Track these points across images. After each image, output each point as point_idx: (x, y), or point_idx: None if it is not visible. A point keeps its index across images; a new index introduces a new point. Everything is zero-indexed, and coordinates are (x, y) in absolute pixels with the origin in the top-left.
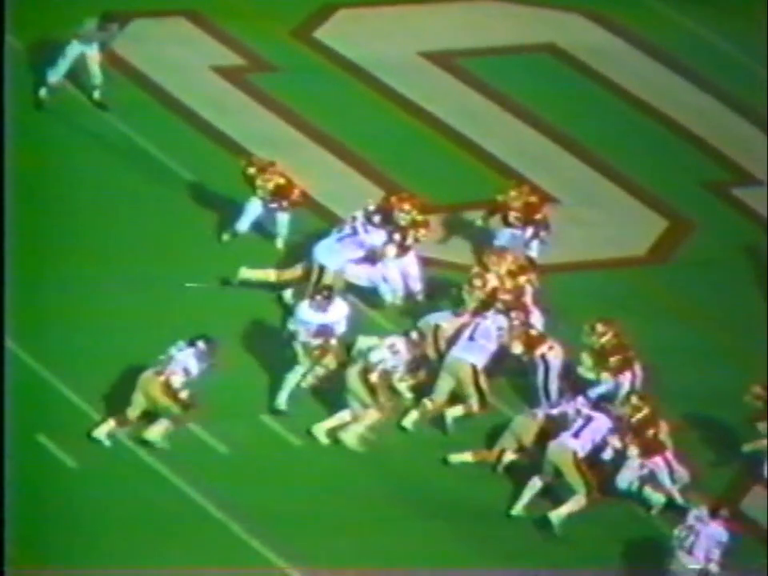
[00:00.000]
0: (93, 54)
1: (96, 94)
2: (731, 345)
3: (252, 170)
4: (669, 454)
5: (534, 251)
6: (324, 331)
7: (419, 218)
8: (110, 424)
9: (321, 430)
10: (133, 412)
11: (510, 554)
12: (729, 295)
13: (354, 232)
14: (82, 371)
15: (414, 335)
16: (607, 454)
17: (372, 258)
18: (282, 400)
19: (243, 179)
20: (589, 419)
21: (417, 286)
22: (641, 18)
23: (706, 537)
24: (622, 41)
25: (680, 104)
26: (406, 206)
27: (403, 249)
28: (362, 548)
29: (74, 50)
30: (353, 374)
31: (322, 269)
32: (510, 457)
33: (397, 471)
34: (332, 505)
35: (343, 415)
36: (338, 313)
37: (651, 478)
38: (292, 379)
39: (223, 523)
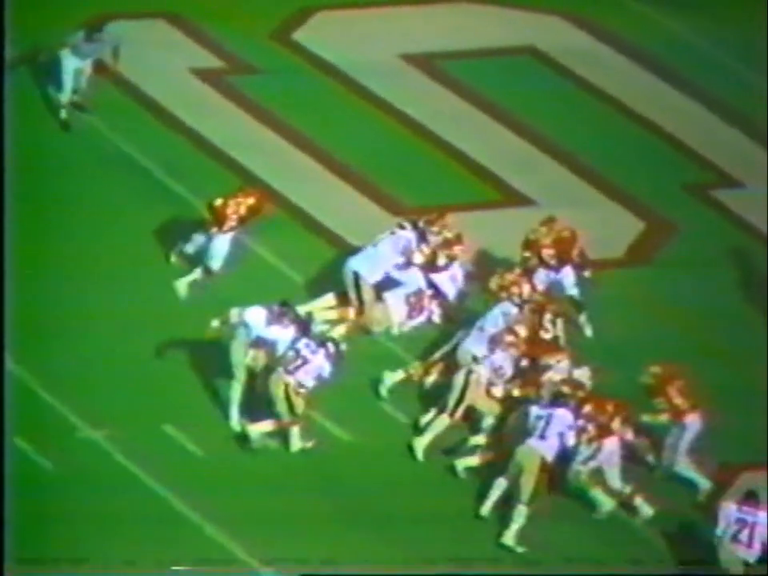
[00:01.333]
0: (86, 69)
1: (63, 114)
2: (712, 346)
3: (219, 201)
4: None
5: (574, 291)
6: (260, 343)
7: (449, 234)
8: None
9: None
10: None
11: (481, 554)
12: (709, 297)
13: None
14: (60, 374)
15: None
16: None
17: (408, 263)
18: (234, 419)
19: (211, 214)
20: (550, 417)
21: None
22: (621, 20)
23: (760, 526)
24: (603, 43)
25: (660, 106)
26: (435, 228)
27: (435, 267)
28: (335, 548)
29: (71, 63)
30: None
31: (357, 276)
32: None
33: (369, 474)
34: (305, 506)
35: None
36: (283, 333)
37: (600, 474)
38: (235, 395)
39: (198, 525)
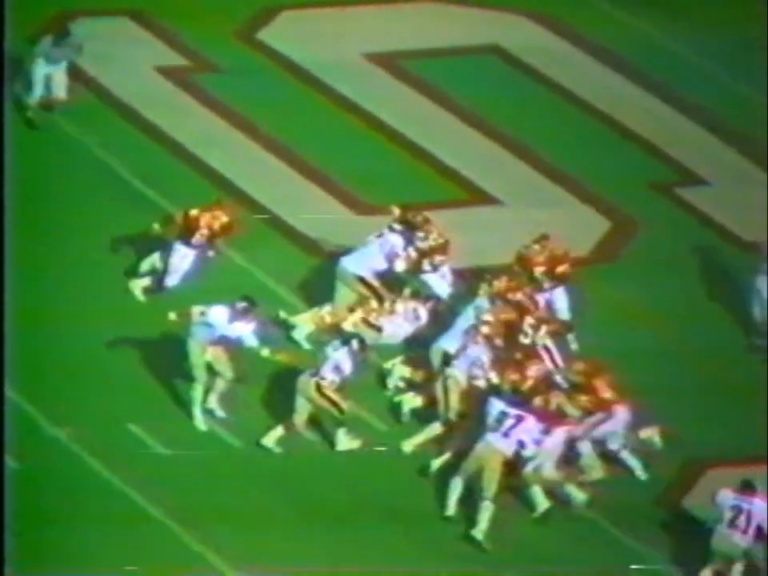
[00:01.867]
0: (59, 75)
1: (30, 114)
2: (677, 343)
3: (194, 212)
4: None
5: (566, 315)
6: (224, 341)
7: (435, 243)
8: (279, 431)
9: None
10: (299, 417)
11: (451, 554)
12: (674, 294)
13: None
14: (24, 373)
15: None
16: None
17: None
18: (198, 420)
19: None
20: (519, 419)
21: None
22: (586, 18)
23: (756, 512)
24: (567, 42)
25: (624, 104)
26: (421, 234)
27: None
28: (299, 548)
29: (41, 70)
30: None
31: (362, 280)
32: None
33: (340, 475)
34: (271, 506)
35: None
36: (246, 329)
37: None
38: (197, 396)
39: (163, 524)
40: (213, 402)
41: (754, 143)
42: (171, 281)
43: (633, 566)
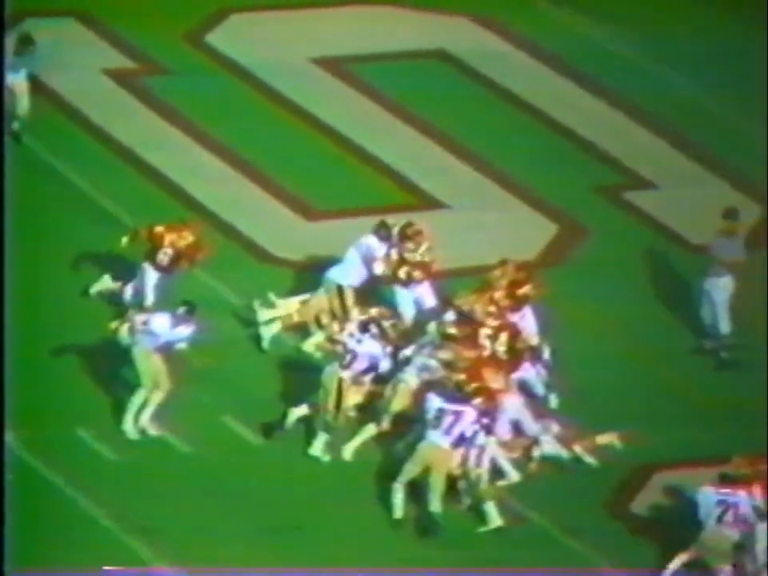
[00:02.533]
0: (20, 83)
1: (16, 125)
2: (625, 347)
3: (160, 228)
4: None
5: (535, 340)
6: (167, 348)
7: (420, 258)
8: (322, 438)
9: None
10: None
11: (402, 559)
12: (622, 297)
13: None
14: None
15: None
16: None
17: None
18: (129, 426)
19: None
20: (458, 415)
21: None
22: (531, 22)
23: (742, 504)
24: (513, 46)
25: (571, 108)
26: (410, 245)
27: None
28: (246, 553)
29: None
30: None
31: (340, 289)
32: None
33: (280, 479)
34: (218, 511)
35: None
36: (186, 331)
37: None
38: (137, 402)
39: (110, 529)
40: (145, 419)
41: (701, 146)
42: (148, 300)
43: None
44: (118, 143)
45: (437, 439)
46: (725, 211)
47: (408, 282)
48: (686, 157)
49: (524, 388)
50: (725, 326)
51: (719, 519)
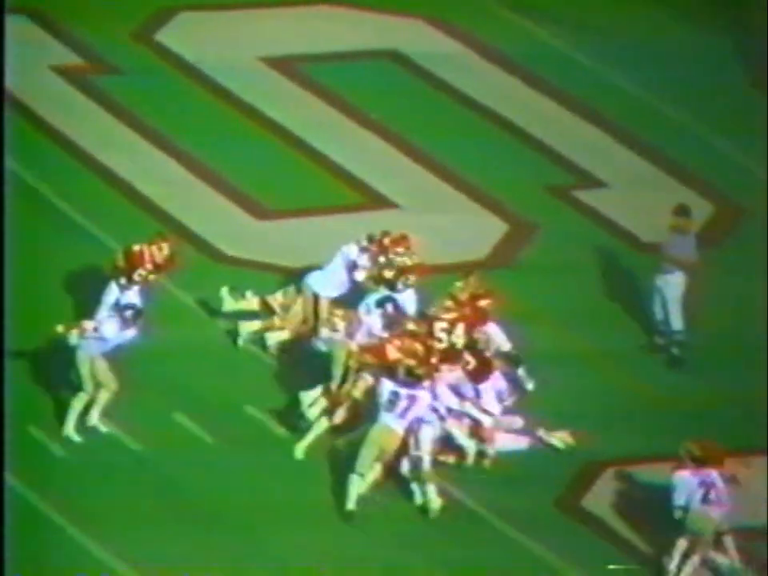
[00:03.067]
0: None
1: None
2: (575, 347)
3: (136, 248)
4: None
5: (507, 346)
6: (115, 351)
7: (410, 262)
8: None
9: None
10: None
11: (350, 557)
12: (573, 296)
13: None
14: None
15: None
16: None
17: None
18: (70, 430)
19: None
20: (413, 399)
21: None
22: (482, 23)
23: (718, 483)
24: (464, 46)
25: (521, 108)
26: (400, 249)
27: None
28: (197, 550)
29: None
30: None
31: (316, 297)
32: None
33: (241, 475)
34: (167, 506)
35: None
36: (132, 333)
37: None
38: (78, 406)
39: (61, 527)
40: (95, 417)
41: (652, 145)
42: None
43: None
44: (67, 140)
45: (390, 422)
46: (676, 208)
47: (405, 287)
48: (636, 156)
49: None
50: (677, 323)
51: (704, 499)
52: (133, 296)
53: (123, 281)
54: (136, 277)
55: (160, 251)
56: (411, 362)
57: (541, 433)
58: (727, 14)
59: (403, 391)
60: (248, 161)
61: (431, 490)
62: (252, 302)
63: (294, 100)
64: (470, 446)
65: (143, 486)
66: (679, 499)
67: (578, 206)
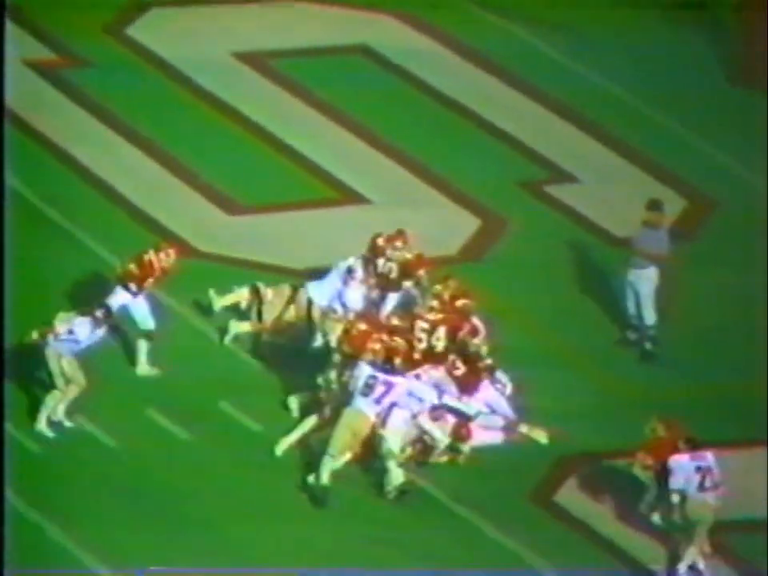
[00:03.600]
0: None
1: None
2: (549, 340)
3: (148, 256)
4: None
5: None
6: (86, 350)
7: (410, 255)
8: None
9: None
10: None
11: (330, 551)
12: (545, 291)
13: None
14: None
15: None
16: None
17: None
18: (43, 426)
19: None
20: (390, 385)
21: None
22: (452, 18)
23: (713, 467)
24: (435, 42)
25: (493, 103)
26: (398, 243)
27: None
28: (173, 549)
29: None
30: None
31: (310, 302)
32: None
33: (215, 470)
34: (142, 505)
35: None
36: (102, 332)
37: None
38: (51, 403)
39: (36, 524)
40: (60, 412)
41: (624, 139)
42: (150, 324)
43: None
44: (39, 134)
45: (363, 407)
46: (648, 203)
47: (417, 283)
48: (608, 150)
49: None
50: (650, 317)
51: (701, 487)
52: (140, 302)
53: (134, 287)
54: (146, 285)
55: (167, 257)
56: (393, 356)
57: (523, 429)
58: (701, 12)
59: (381, 376)
60: (220, 156)
61: (392, 466)
62: (241, 293)
63: (266, 95)
64: (441, 438)
65: (116, 481)
66: (676, 483)
67: (550, 201)
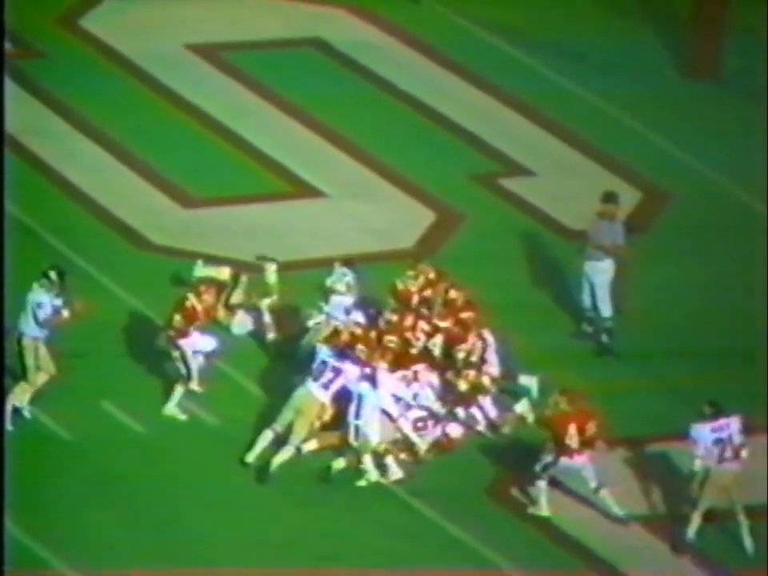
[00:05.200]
0: None
1: None
2: (505, 334)
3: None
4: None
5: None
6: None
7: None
8: None
9: None
10: None
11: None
12: (500, 285)
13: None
14: None
15: None
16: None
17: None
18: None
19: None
20: (338, 371)
21: None
22: (405, 12)
23: (735, 434)
24: (387, 35)
25: (447, 97)
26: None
27: None
28: (131, 537)
29: None
30: None
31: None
32: None
33: (178, 464)
34: (103, 499)
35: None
36: (59, 301)
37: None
38: (19, 393)
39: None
40: (25, 400)
41: (577, 133)
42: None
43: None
44: None
45: (312, 389)
46: (603, 195)
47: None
48: (563, 144)
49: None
50: (606, 310)
51: (720, 458)
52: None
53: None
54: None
55: (209, 295)
56: (354, 344)
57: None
58: (653, 4)
59: (331, 361)
60: (174, 148)
61: (367, 461)
62: (223, 271)
63: (220, 88)
64: (418, 441)
65: (72, 474)
66: (698, 450)
67: (505, 194)
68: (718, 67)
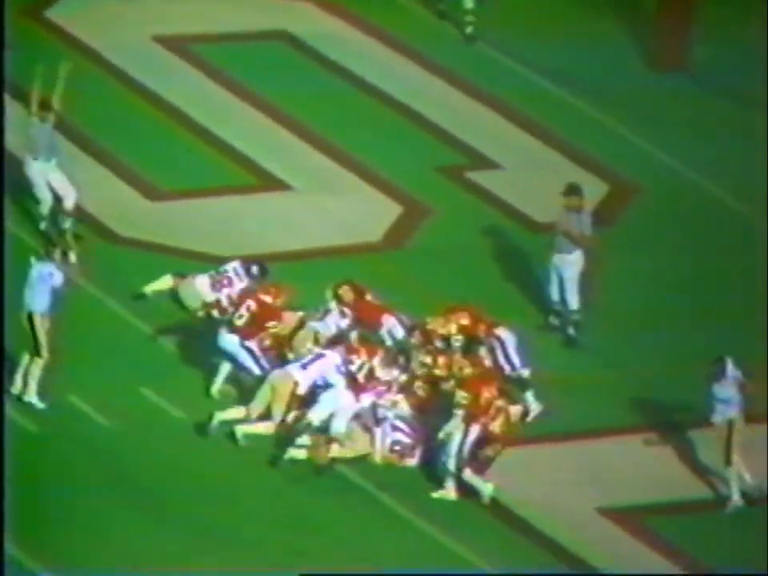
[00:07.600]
0: None
1: None
2: None
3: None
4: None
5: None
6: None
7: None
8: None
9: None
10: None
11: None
12: (467, 278)
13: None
14: None
15: None
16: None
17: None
18: (33, 397)
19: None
20: (319, 356)
21: None
22: (373, 5)
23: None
24: (355, 28)
25: (414, 90)
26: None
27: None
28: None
29: None
30: None
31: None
32: None
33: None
34: (86, 502)
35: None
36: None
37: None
38: (35, 371)
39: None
40: (32, 393)
41: (544, 125)
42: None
43: None
44: None
45: (290, 368)
46: (566, 188)
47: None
48: (530, 136)
49: None
50: (574, 302)
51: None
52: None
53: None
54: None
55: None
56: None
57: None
58: None
59: (315, 348)
60: (141, 141)
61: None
62: (165, 280)
63: (187, 80)
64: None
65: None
66: (723, 393)
67: (472, 188)
68: (686, 60)
